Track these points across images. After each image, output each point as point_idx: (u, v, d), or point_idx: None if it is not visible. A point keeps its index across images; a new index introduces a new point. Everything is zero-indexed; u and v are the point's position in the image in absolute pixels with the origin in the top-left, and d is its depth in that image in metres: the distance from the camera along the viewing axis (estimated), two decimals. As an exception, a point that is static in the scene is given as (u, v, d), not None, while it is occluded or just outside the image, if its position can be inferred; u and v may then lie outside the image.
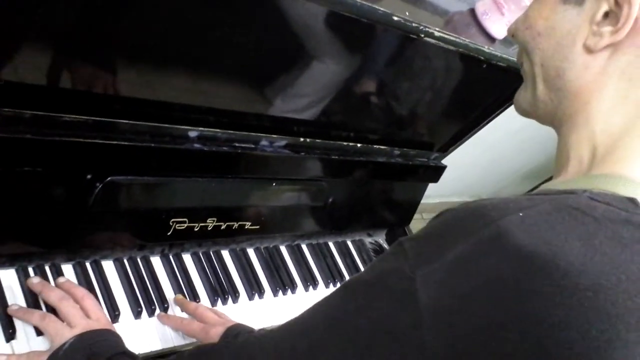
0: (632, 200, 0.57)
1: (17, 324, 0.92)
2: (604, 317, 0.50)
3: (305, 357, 0.63)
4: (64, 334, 0.89)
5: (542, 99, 0.70)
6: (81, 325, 0.90)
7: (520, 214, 0.54)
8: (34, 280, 0.96)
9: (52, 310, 0.94)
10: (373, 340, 0.58)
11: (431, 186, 1.59)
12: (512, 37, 0.74)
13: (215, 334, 1.02)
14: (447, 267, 0.55)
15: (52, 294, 0.94)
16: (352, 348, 0.59)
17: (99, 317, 0.94)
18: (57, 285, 0.97)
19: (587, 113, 0.66)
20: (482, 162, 2.99)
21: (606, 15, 0.63)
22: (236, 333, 1.01)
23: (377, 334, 0.58)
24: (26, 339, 0.92)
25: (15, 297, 0.94)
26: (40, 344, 0.92)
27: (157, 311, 1.08)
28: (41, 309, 0.95)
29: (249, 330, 1.03)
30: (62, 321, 0.92)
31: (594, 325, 0.49)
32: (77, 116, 0.86)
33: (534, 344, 0.50)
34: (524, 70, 0.73)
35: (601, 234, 0.53)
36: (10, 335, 0.90)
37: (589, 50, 0.64)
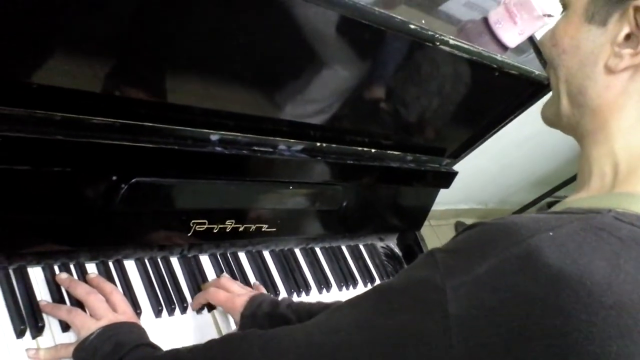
0: None
1: (45, 319, 0.94)
2: (626, 334, 0.52)
3: (333, 354, 0.65)
4: (90, 326, 0.92)
5: (565, 113, 0.72)
6: (107, 317, 0.94)
7: (550, 233, 0.56)
8: (63, 275, 0.99)
9: (78, 306, 0.97)
10: (401, 344, 0.60)
11: (439, 193, 1.61)
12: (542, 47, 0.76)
13: (240, 302, 1.07)
14: (477, 280, 0.57)
15: (80, 288, 0.98)
16: (379, 349, 0.62)
17: (125, 311, 0.98)
18: (87, 280, 1.01)
19: (607, 131, 0.68)
20: (490, 170, 3.01)
21: (628, 37, 0.64)
22: (260, 301, 1.06)
23: (406, 339, 0.60)
24: (51, 335, 0.95)
25: (42, 294, 0.97)
26: (66, 340, 0.95)
27: (177, 310, 1.11)
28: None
29: (272, 300, 1.08)
30: (89, 315, 0.95)
31: (616, 341, 0.52)
32: (105, 119, 0.89)
33: (557, 357, 0.52)
34: (551, 84, 0.75)
35: (625, 254, 0.55)
36: (37, 331, 0.93)
37: (609, 70, 0.66)
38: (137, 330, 0.94)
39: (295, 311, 1.04)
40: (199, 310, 1.14)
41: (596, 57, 0.67)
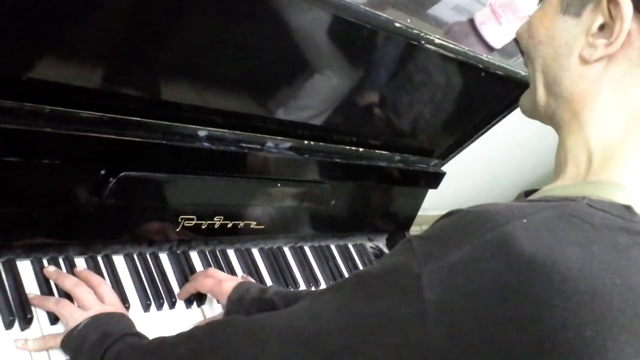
0: (627, 208, 0.60)
1: (34, 312, 0.95)
2: (599, 319, 0.53)
3: (314, 339, 0.66)
4: (78, 317, 0.93)
5: (541, 103, 0.73)
6: (95, 308, 0.95)
7: (524, 220, 0.57)
8: (50, 268, 1.00)
9: (66, 299, 0.98)
10: (378, 329, 0.61)
11: (431, 198, 1.62)
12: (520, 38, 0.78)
13: (227, 287, 1.09)
14: (452, 266, 0.58)
15: (67, 281, 0.99)
16: (359, 334, 0.63)
17: (113, 302, 0.99)
18: (75, 273, 1.02)
19: (581, 120, 0.69)
20: (482, 176, 3.02)
21: (602, 28, 0.65)
22: (248, 287, 1.08)
23: (383, 324, 0.61)
24: (40, 327, 0.96)
25: (30, 288, 0.98)
26: (55, 332, 0.96)
27: (166, 305, 1.12)
28: (54, 298, 0.98)
29: (260, 287, 1.09)
30: (77, 306, 0.96)
31: (590, 326, 0.53)
32: (94, 112, 0.90)
33: (532, 342, 0.53)
34: (528, 75, 0.76)
35: (599, 241, 0.56)
36: (26, 323, 0.94)
37: (584, 60, 0.67)
38: (124, 321, 0.95)
39: (282, 298, 1.05)
40: (187, 305, 1.15)
41: (571, 48, 0.68)
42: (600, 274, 0.54)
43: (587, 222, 0.58)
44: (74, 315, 0.94)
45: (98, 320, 0.92)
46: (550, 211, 0.59)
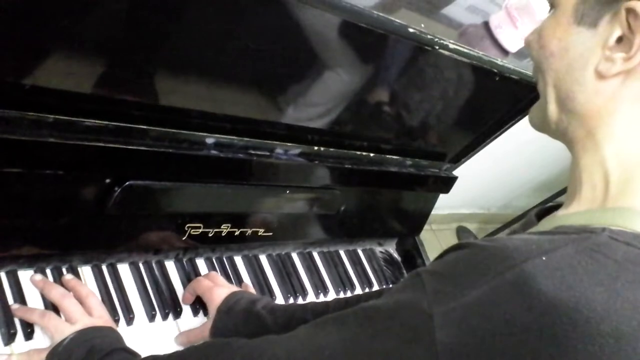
0: None
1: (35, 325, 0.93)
2: None
3: None
4: (64, 330, 0.89)
5: (553, 119, 0.69)
6: (82, 322, 0.91)
7: (544, 258, 0.54)
8: (37, 277, 0.96)
9: (53, 309, 0.95)
10: None
11: (441, 197, 1.60)
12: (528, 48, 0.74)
13: (219, 296, 1.06)
14: (468, 307, 0.55)
15: (54, 291, 0.95)
16: None
17: (101, 315, 0.95)
18: (63, 282, 0.98)
19: (597, 137, 0.65)
20: (493, 174, 3.00)
21: (619, 40, 0.62)
22: (238, 298, 1.05)
23: None
24: (45, 341, 0.93)
25: (33, 298, 0.96)
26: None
27: (171, 315, 1.10)
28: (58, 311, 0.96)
29: (250, 299, 1.06)
30: (63, 319, 0.93)
31: None
32: (98, 121, 0.88)
33: None
34: (538, 87, 0.73)
35: (622, 277, 0.53)
36: (28, 335, 0.92)
37: (600, 75, 0.63)
38: (112, 335, 0.91)
39: (271, 311, 1.02)
40: (194, 314, 1.13)
41: (586, 61, 0.64)
42: (625, 314, 0.52)
43: (610, 257, 0.55)
44: (59, 329, 0.90)
45: (84, 335, 0.88)
46: (570, 247, 0.56)
